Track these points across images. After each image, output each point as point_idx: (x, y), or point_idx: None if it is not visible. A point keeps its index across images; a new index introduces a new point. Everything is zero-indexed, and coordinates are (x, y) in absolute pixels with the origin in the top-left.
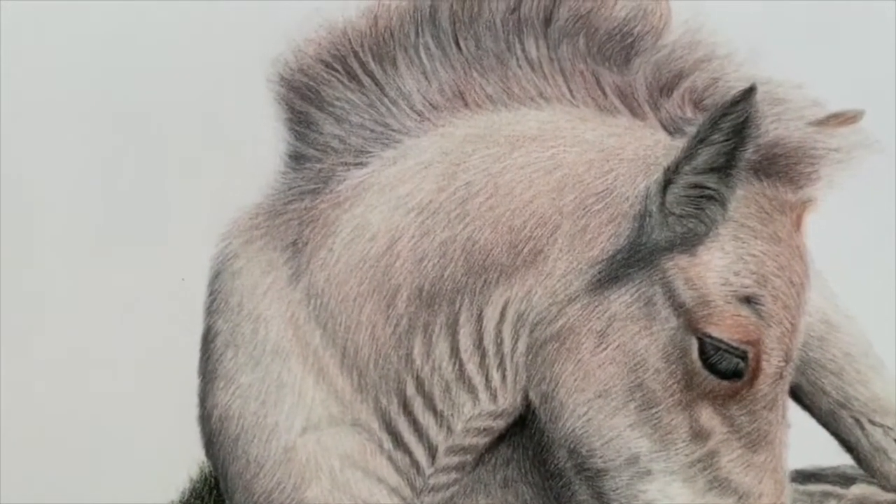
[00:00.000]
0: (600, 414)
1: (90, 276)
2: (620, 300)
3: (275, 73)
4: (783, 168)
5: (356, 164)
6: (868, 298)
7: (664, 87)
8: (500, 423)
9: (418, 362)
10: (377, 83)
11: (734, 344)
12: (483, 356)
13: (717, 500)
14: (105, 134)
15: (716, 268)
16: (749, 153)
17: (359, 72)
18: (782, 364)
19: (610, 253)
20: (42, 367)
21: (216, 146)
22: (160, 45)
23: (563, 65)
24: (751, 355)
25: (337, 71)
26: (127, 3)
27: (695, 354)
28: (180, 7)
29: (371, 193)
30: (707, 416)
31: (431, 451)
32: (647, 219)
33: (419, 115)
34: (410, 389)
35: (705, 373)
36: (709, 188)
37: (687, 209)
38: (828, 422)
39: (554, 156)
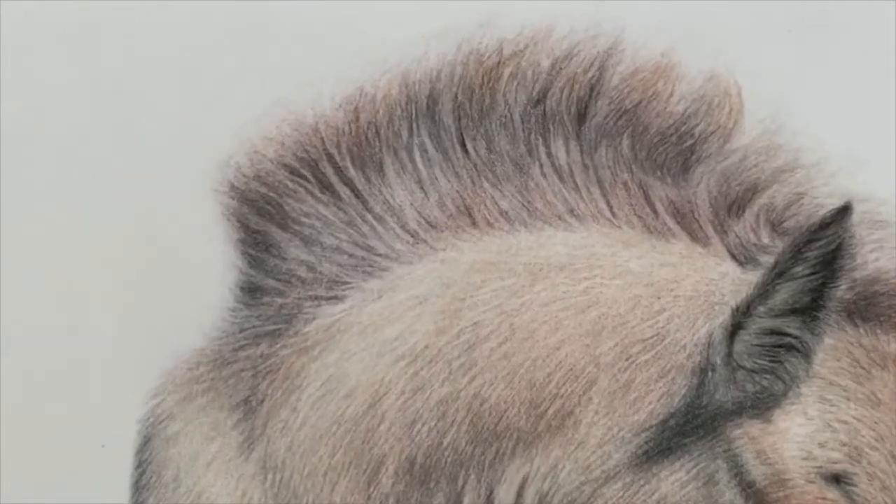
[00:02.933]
0: None
1: None
2: (673, 478)
3: (223, 181)
4: (886, 310)
5: (329, 299)
6: None
7: (733, 205)
8: None
9: None
10: (358, 195)
11: None
12: None
13: None
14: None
15: (796, 437)
16: (841, 291)
17: (334, 180)
18: None
19: (661, 417)
20: None
21: (147, 275)
22: (79, 144)
23: (600, 174)
24: None
25: (305, 178)
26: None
27: None
28: (107, 99)
29: (348, 336)
30: None
31: None
32: (710, 374)
33: (413, 237)
34: None
35: None
36: (789, 335)
37: (761, 362)
38: None
39: (588, 290)
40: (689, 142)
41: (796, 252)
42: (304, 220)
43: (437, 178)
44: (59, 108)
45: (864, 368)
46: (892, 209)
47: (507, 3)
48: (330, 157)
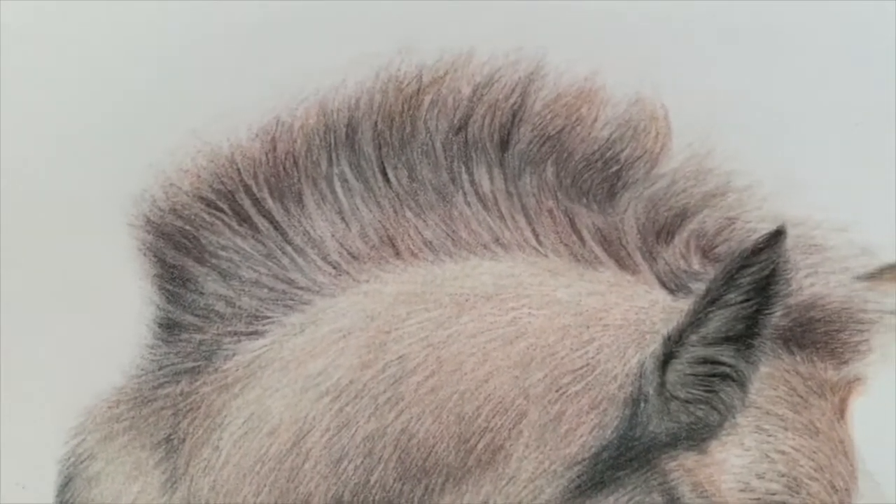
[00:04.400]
0: None
1: None
2: None
3: (139, 215)
4: (822, 337)
5: (249, 334)
6: None
7: (662, 231)
8: None
9: None
10: (277, 226)
11: None
12: None
13: None
14: None
15: (733, 469)
16: (776, 317)
17: (251, 212)
18: None
19: (593, 450)
20: None
21: (63, 312)
22: None
23: (525, 201)
24: None
25: (222, 211)
26: None
27: None
28: (19, 132)
29: (270, 372)
30: None
31: None
32: (642, 405)
33: (334, 269)
34: None
35: None
36: (723, 364)
37: (695, 392)
38: None
39: (515, 320)
40: (615, 167)
41: (729, 278)
42: (221, 253)
43: (358, 208)
44: None
45: (801, 397)
46: (827, 233)
47: (425, 28)
48: (247, 189)
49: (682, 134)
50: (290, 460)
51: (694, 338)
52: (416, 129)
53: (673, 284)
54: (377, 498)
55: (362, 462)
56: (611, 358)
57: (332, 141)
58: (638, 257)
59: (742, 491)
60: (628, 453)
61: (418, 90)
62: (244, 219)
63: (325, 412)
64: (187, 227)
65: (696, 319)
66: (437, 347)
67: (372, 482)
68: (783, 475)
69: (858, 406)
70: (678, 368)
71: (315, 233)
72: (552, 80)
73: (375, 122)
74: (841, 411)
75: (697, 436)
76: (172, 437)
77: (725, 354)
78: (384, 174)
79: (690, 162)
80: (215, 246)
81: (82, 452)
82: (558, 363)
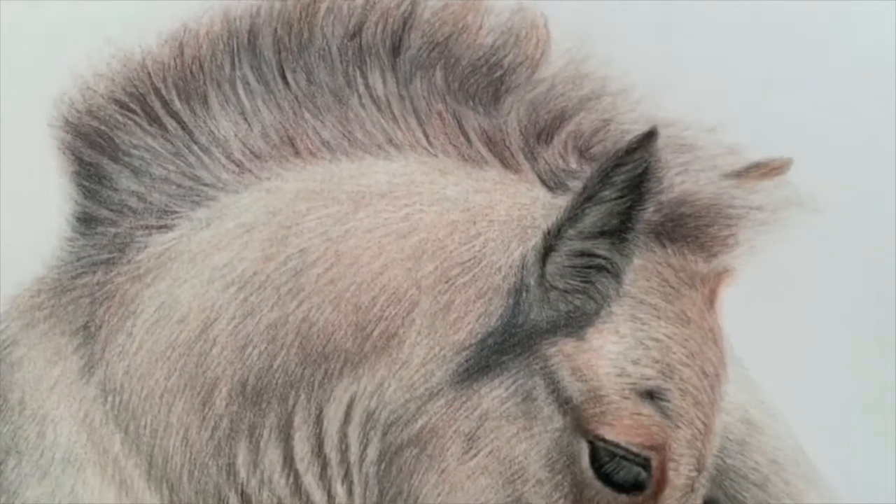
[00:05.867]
0: None
1: None
2: (493, 395)
3: (58, 116)
4: (692, 231)
5: (160, 228)
6: (797, 392)
7: (542, 132)
8: None
9: (243, 474)
10: (184, 127)
11: (634, 449)
12: (324, 466)
13: None
14: None
15: (609, 355)
16: (649, 213)
17: (161, 113)
18: (694, 474)
19: (479, 336)
20: None
21: None
22: None
23: (416, 104)
24: (654, 463)
25: (134, 112)
26: None
27: (585, 462)
28: None
29: (179, 264)
30: None
31: None
32: (524, 294)
33: (238, 167)
34: None
35: (598, 484)
36: (599, 256)
37: (572, 282)
38: None
39: (408, 216)
40: (499, 72)
41: (604, 176)
42: (133, 152)
43: (259, 110)
44: None
45: (673, 288)
46: (697, 133)
47: None
48: (157, 92)
49: (561, 41)
50: (198, 346)
51: (571, 232)
52: (313, 35)
53: (552, 182)
54: (280, 381)
55: (266, 348)
56: (496, 251)
57: (235, 46)
58: (520, 157)
59: (618, 376)
60: (512, 339)
61: None
62: (154, 119)
63: (231, 301)
64: (102, 128)
65: (573, 215)
66: (336, 241)
67: (275, 367)
68: (657, 361)
69: (727, 296)
70: (557, 261)
71: (219, 133)
72: None
73: (275, 29)
74: (711, 301)
75: (575, 323)
76: (90, 324)
77: (601, 247)
78: (283, 77)
79: (568, 67)
80: (128, 145)
81: (6, 339)
82: (448, 256)
